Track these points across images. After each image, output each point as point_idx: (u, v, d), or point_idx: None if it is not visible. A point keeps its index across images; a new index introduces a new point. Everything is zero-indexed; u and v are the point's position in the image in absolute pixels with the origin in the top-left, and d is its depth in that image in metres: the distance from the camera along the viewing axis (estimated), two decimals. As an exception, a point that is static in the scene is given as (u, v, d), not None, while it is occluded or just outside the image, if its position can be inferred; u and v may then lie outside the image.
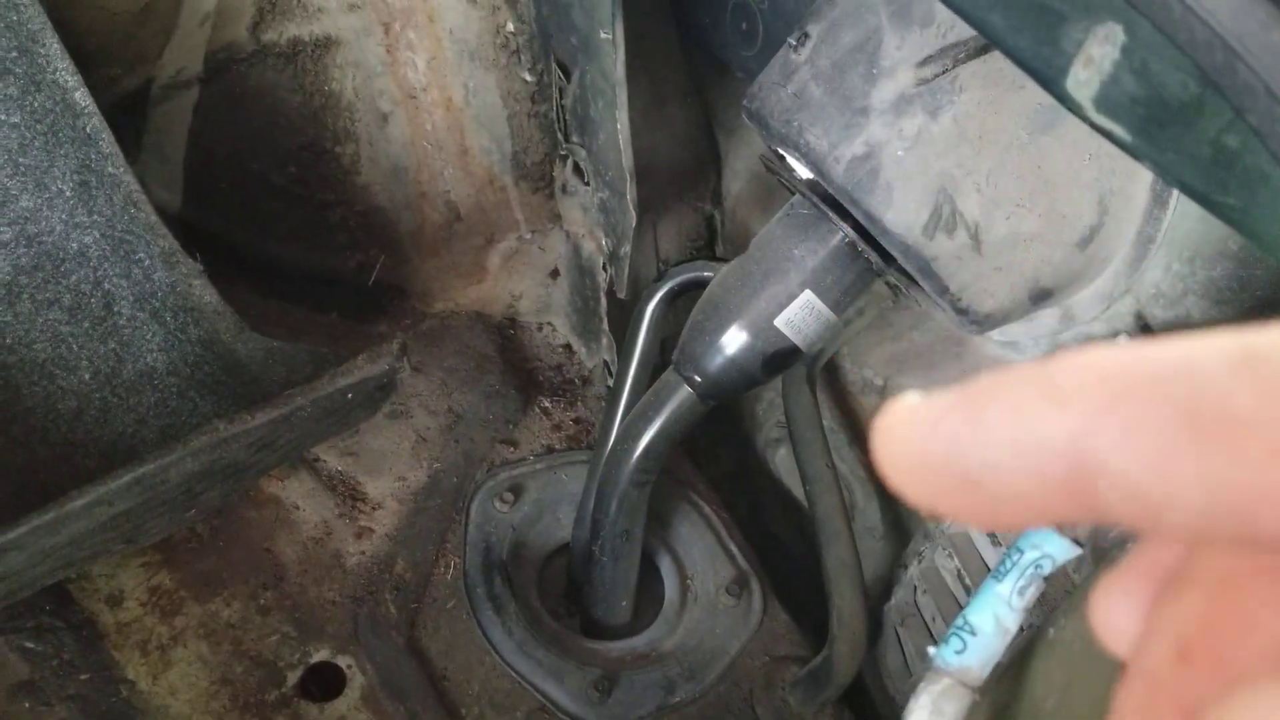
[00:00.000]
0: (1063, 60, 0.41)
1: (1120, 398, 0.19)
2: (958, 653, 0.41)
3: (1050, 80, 0.43)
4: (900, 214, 0.72)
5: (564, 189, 1.01)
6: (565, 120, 0.94)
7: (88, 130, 0.81)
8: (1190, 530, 0.18)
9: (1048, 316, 0.86)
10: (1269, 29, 0.36)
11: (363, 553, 0.94)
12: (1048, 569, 0.42)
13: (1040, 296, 0.79)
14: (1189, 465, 0.18)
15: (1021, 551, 0.42)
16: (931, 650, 0.42)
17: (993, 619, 0.42)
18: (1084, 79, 0.41)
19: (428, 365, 1.03)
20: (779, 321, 0.83)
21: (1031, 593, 0.42)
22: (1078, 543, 0.43)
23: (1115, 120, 0.41)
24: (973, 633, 0.42)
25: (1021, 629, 0.44)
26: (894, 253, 0.75)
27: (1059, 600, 0.48)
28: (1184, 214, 0.77)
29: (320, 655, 0.89)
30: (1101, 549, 0.46)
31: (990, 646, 0.42)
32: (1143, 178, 0.76)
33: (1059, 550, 0.42)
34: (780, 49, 0.78)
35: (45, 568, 0.73)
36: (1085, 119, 0.43)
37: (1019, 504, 0.20)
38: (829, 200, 0.79)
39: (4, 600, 0.75)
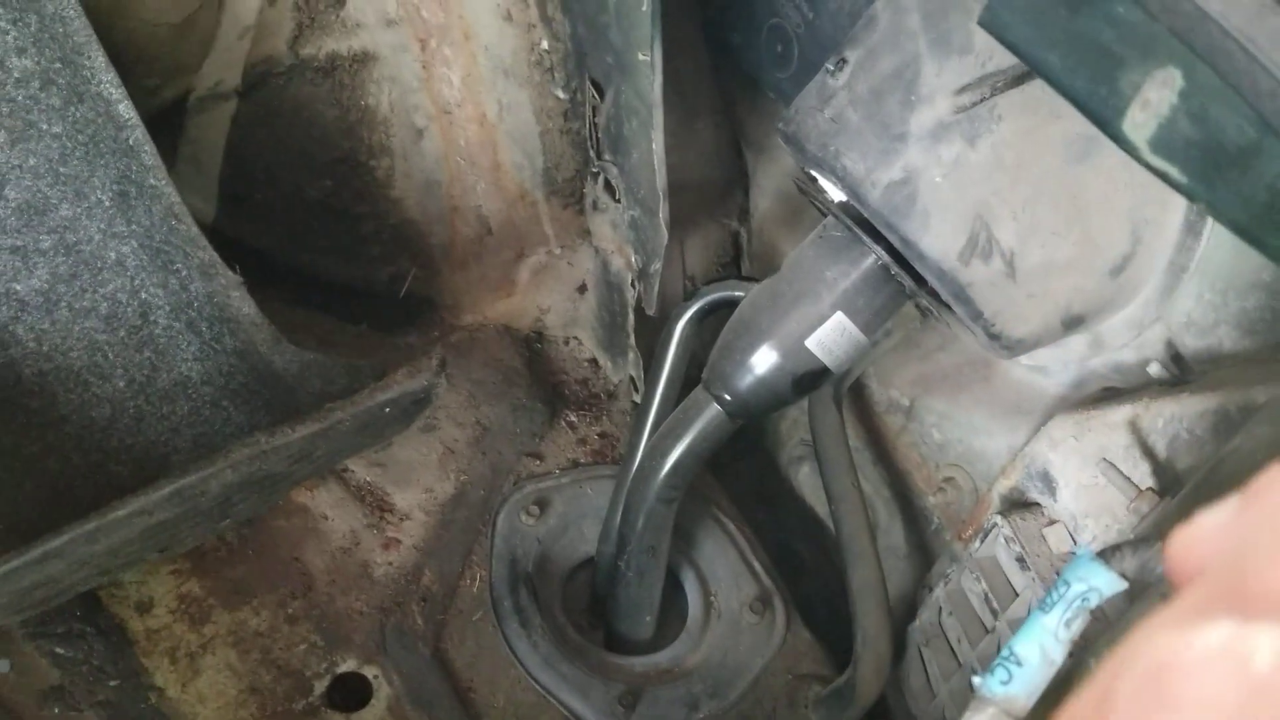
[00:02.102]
0: (1120, 102, 0.42)
1: None
2: (1003, 683, 0.42)
3: (1106, 121, 0.43)
4: (937, 239, 0.72)
5: (594, 205, 1.02)
6: (598, 138, 0.95)
7: (130, 142, 0.82)
8: None
9: (1077, 342, 0.86)
10: (1325, 75, 0.37)
11: (390, 563, 0.94)
12: (1094, 602, 0.42)
13: (1072, 323, 0.80)
14: None
15: (1069, 584, 0.42)
16: (977, 680, 0.43)
17: (1039, 650, 0.42)
18: (1141, 121, 0.41)
19: (456, 378, 1.04)
20: (810, 342, 0.83)
21: (1078, 625, 0.42)
22: (1124, 577, 0.43)
23: (1171, 162, 0.42)
24: (1019, 664, 0.42)
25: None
26: (929, 278, 0.75)
27: (1098, 632, 0.48)
28: (1217, 244, 0.77)
29: (347, 665, 0.89)
30: (1143, 583, 0.46)
31: (1036, 677, 0.42)
32: (1176, 208, 0.77)
33: (1106, 584, 0.42)
34: (817, 73, 0.78)
35: (82, 575, 0.74)
36: (1141, 160, 0.44)
37: None
38: (862, 223, 0.79)
39: (40, 606, 0.76)
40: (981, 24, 0.51)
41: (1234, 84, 0.36)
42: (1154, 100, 0.40)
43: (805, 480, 1.17)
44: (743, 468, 1.21)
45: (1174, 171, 0.43)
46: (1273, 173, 0.38)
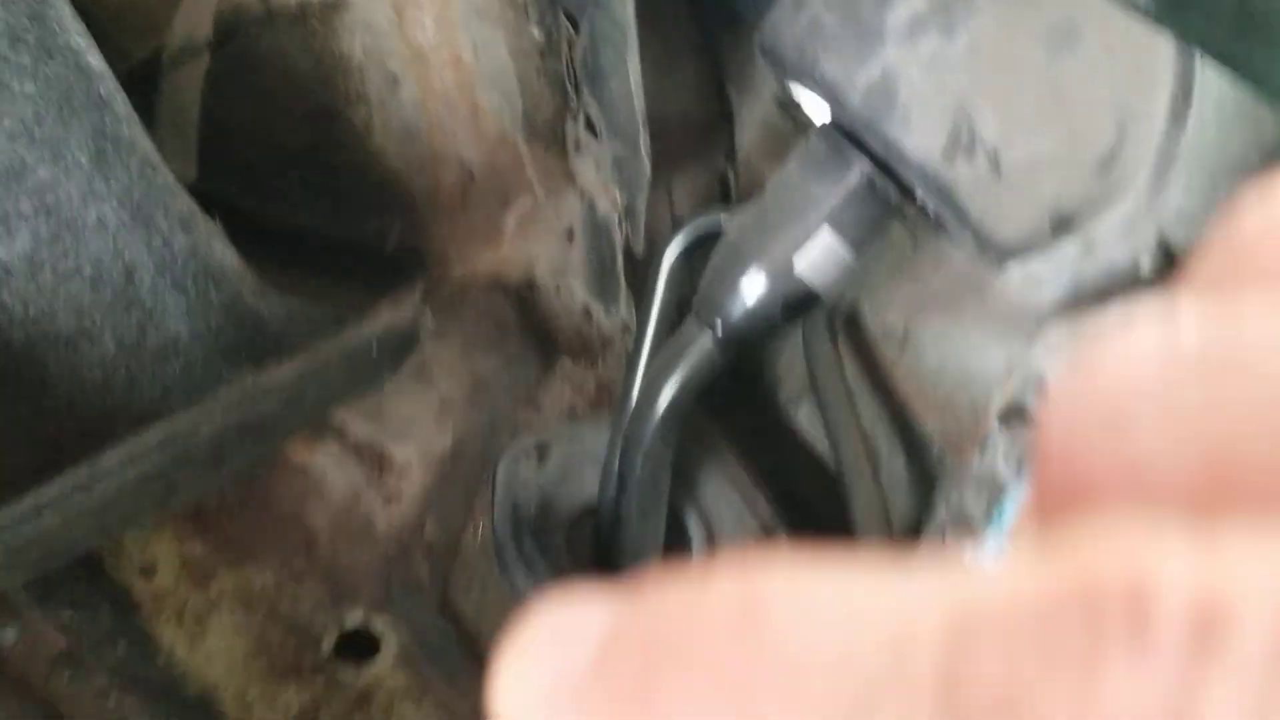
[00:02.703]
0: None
1: None
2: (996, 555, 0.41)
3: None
4: (919, 139, 0.72)
5: (576, 146, 1.01)
6: (575, 74, 0.94)
7: (101, 94, 0.81)
8: None
9: (1069, 248, 0.86)
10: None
11: (392, 517, 0.94)
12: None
13: (1062, 224, 0.79)
14: None
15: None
16: (968, 556, 0.42)
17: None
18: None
19: (448, 331, 1.03)
20: (798, 263, 0.83)
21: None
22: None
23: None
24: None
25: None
26: (914, 181, 0.75)
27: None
28: (1202, 130, 0.77)
29: (354, 619, 0.89)
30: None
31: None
32: (1161, 97, 0.76)
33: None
34: (792, -18, 0.78)
35: (80, 532, 0.74)
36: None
37: None
38: (845, 135, 0.79)
39: (38, 568, 0.76)
40: None
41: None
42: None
43: (806, 419, 1.17)
44: (743, 409, 1.21)
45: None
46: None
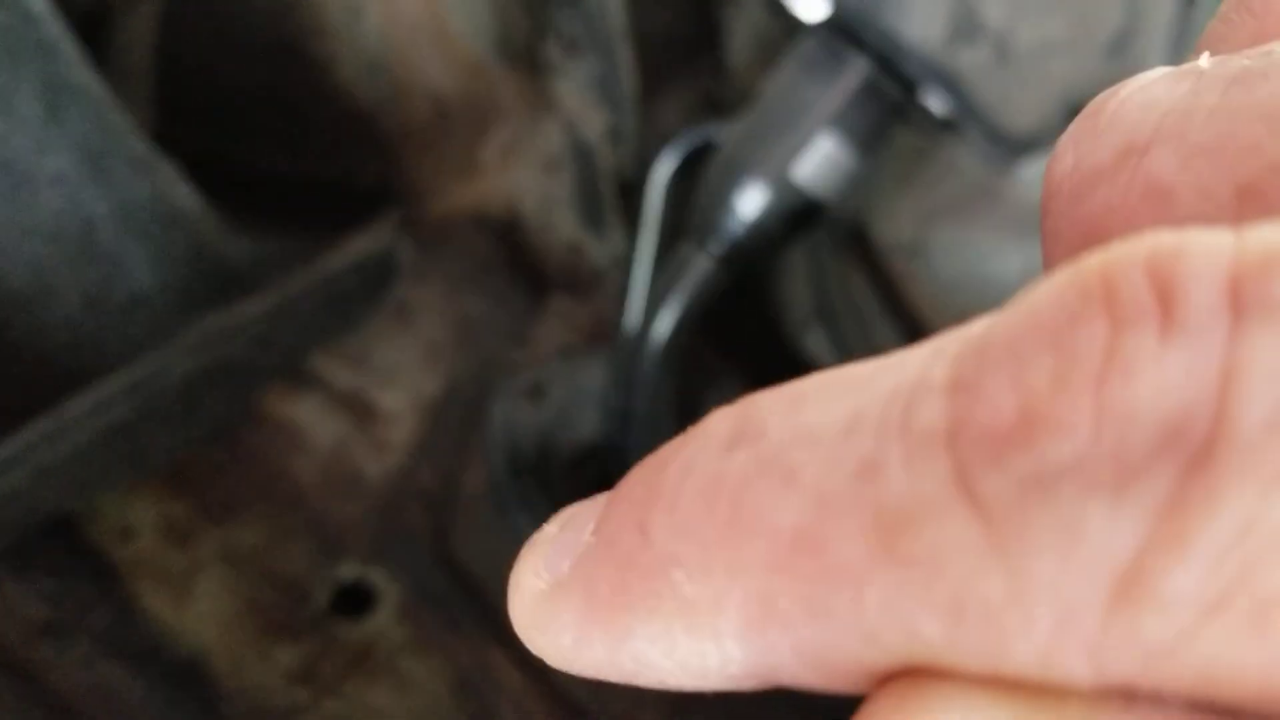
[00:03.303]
0: None
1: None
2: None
3: None
4: (919, 27, 0.67)
5: (555, 69, 0.96)
6: (550, -10, 0.89)
7: (48, 39, 0.76)
8: None
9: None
10: None
11: (384, 467, 0.90)
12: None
13: (1074, 112, 0.74)
14: None
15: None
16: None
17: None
18: None
19: (430, 272, 0.99)
20: (797, 173, 0.78)
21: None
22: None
23: None
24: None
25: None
26: (915, 72, 0.70)
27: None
28: (1214, 11, 0.72)
29: (349, 572, 0.85)
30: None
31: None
32: (1173, -28, 0.71)
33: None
34: None
35: (51, 491, 0.70)
36: None
37: None
38: (841, 34, 0.73)
39: (13, 528, 0.72)
40: None
41: None
42: None
43: (815, 345, 1.12)
44: (748, 338, 1.16)
45: None
46: None
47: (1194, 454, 0.12)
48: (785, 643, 0.15)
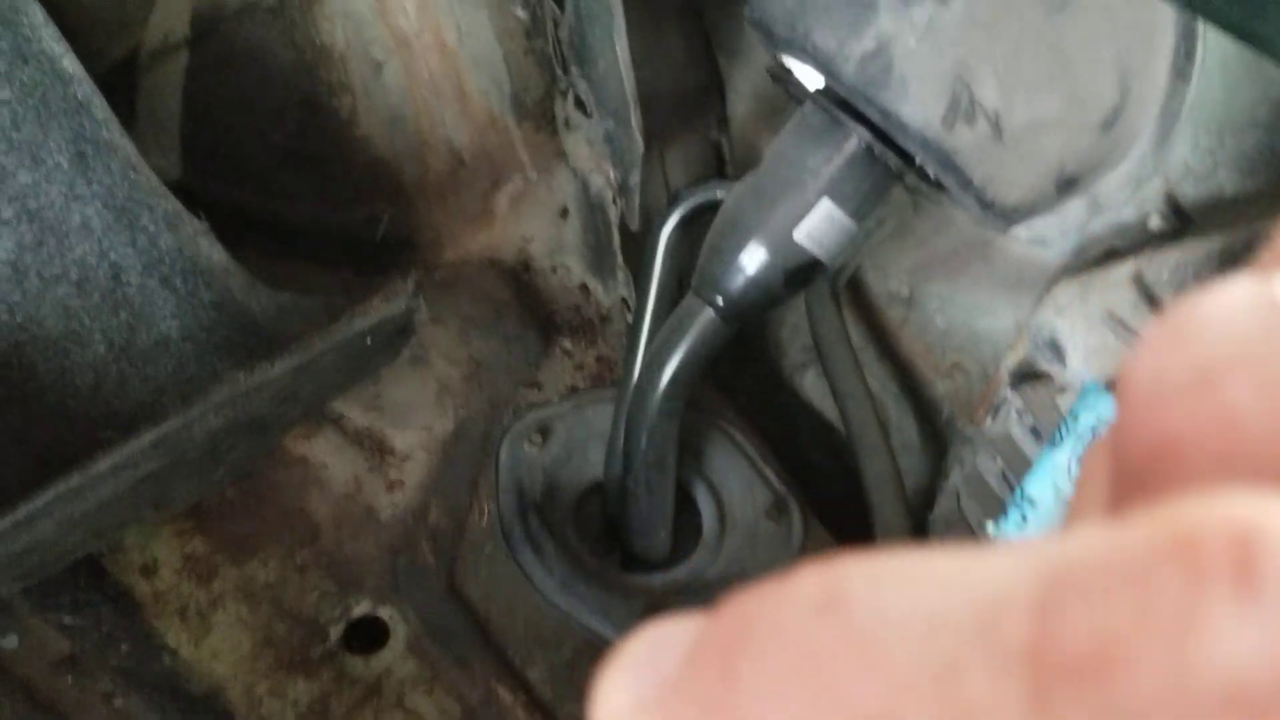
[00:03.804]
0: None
1: None
2: (1019, 526, 0.40)
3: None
4: (917, 107, 0.70)
5: (567, 124, 0.99)
6: (562, 53, 0.92)
7: (79, 97, 0.80)
8: None
9: (1075, 207, 0.84)
10: None
11: (396, 504, 0.93)
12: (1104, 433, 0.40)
13: (1066, 184, 0.77)
14: None
15: (1077, 417, 0.40)
16: (991, 525, 0.41)
17: (1052, 489, 0.40)
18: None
19: (444, 315, 1.02)
20: (798, 234, 0.81)
21: (1091, 458, 0.40)
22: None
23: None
24: (1032, 504, 0.40)
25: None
26: (913, 149, 0.73)
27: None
28: (1208, 86, 0.75)
29: (361, 608, 0.88)
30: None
31: (1051, 517, 0.40)
32: (1162, 53, 0.74)
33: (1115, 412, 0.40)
34: (780, -50, 0.75)
35: (76, 537, 0.73)
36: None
37: None
38: (841, 104, 0.77)
39: (39, 573, 0.75)
40: None
41: None
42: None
43: (811, 386, 1.15)
44: (747, 379, 1.19)
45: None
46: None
47: (1257, 715, 0.13)
48: None
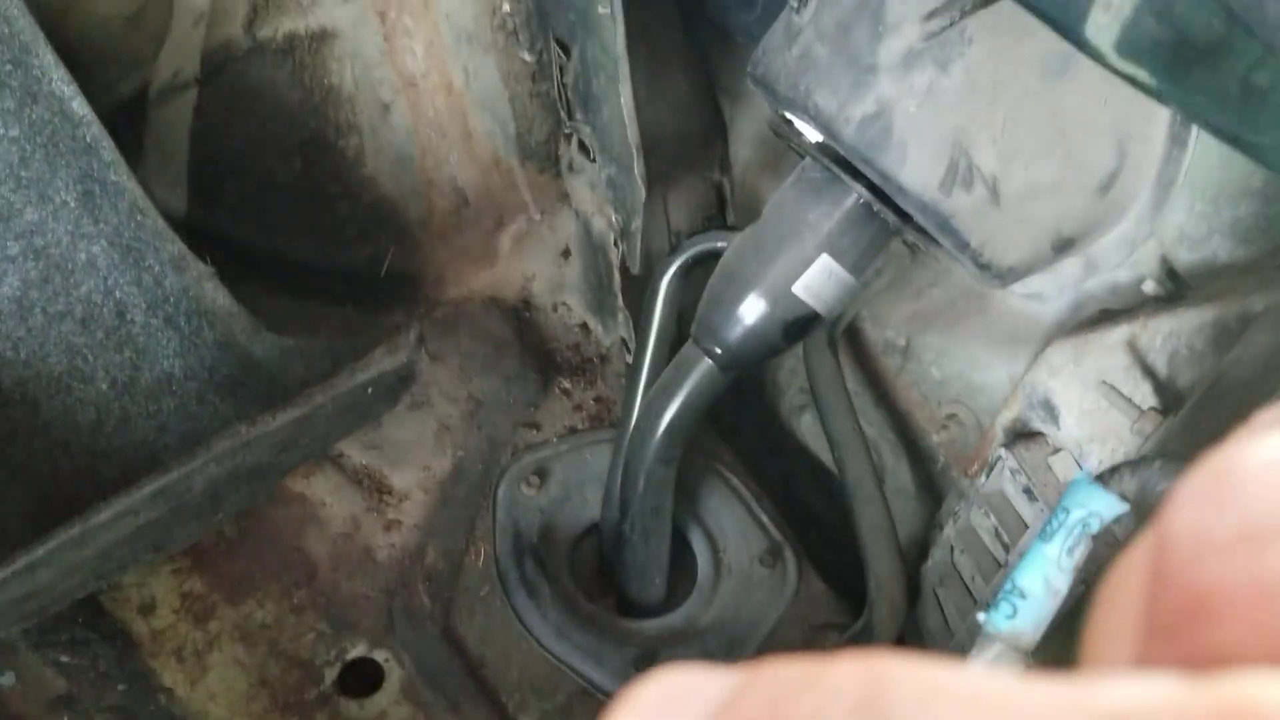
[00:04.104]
0: (1081, 6, 0.40)
1: None
2: (1009, 618, 0.41)
3: (1069, 27, 0.42)
4: (916, 171, 0.70)
5: (570, 167, 1.00)
6: (567, 98, 0.93)
7: (87, 139, 0.81)
8: None
9: (1071, 265, 0.85)
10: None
11: (393, 545, 0.94)
12: (1095, 527, 0.41)
13: (1063, 246, 0.78)
14: None
15: (1068, 511, 0.41)
16: (981, 616, 0.41)
17: (1042, 581, 0.41)
18: (1104, 24, 0.39)
19: (445, 352, 1.02)
20: (797, 288, 0.82)
21: (1080, 552, 0.41)
22: (1124, 498, 0.42)
23: (1139, 64, 0.40)
24: (1023, 596, 0.41)
25: (1071, 589, 0.43)
26: (911, 211, 0.73)
27: (1108, 555, 0.47)
28: (1204, 153, 0.75)
29: (357, 651, 0.89)
30: (1147, 504, 0.45)
31: (1041, 609, 0.41)
32: (1160, 119, 0.75)
33: (1106, 508, 0.41)
34: (782, 12, 0.76)
35: (75, 581, 0.73)
36: (1107, 65, 0.42)
37: None
38: (840, 162, 0.77)
39: (36, 616, 0.75)
40: None
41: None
42: (1115, 1, 0.38)
43: (808, 429, 1.16)
44: (745, 421, 1.20)
45: (1143, 74, 0.41)
46: (1244, 66, 0.36)
47: None
48: None
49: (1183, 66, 0.38)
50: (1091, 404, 0.78)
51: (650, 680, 0.18)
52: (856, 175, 0.77)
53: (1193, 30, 0.37)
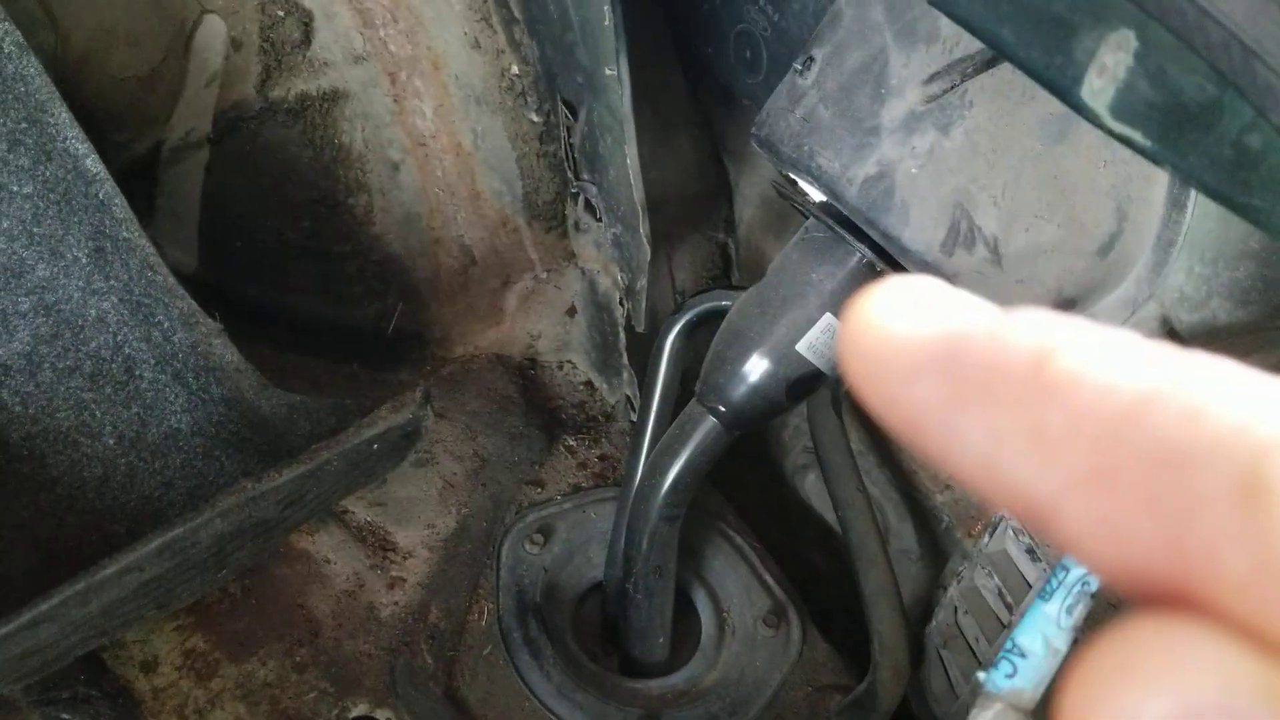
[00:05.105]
0: (1076, 70, 0.41)
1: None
2: (1008, 676, 0.40)
3: (1065, 91, 0.42)
4: (918, 232, 0.71)
5: (577, 226, 1.01)
6: (574, 158, 0.94)
7: (100, 197, 0.82)
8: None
9: (1072, 326, 0.85)
10: (1285, 25, 0.36)
11: (396, 603, 0.93)
12: (1095, 586, 0.41)
13: (1064, 306, 0.78)
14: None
15: (1067, 570, 0.41)
16: (981, 675, 0.41)
17: (1042, 640, 0.41)
18: (1099, 88, 0.40)
19: (451, 410, 1.03)
20: (801, 347, 0.82)
21: (1080, 610, 0.41)
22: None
23: (1134, 127, 0.41)
24: (1022, 655, 0.41)
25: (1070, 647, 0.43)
26: (914, 270, 0.74)
27: (1105, 615, 0.47)
28: (1203, 215, 0.76)
29: (359, 710, 0.88)
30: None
31: (1041, 668, 0.41)
32: (1160, 181, 0.76)
33: (1105, 567, 0.41)
34: (786, 74, 0.77)
35: (78, 638, 0.73)
36: (1103, 127, 0.43)
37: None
38: (843, 222, 0.78)
39: (39, 672, 0.75)
40: (931, 3, 0.50)
41: (1187, 40, 0.35)
42: (1110, 65, 0.39)
43: (812, 488, 1.16)
44: (750, 479, 1.20)
45: (1138, 136, 0.42)
46: (1236, 128, 0.37)
47: None
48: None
49: (1176, 129, 0.39)
50: (1095, 464, 0.78)
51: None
52: (860, 235, 0.78)
53: (1186, 93, 0.38)
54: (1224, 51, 0.35)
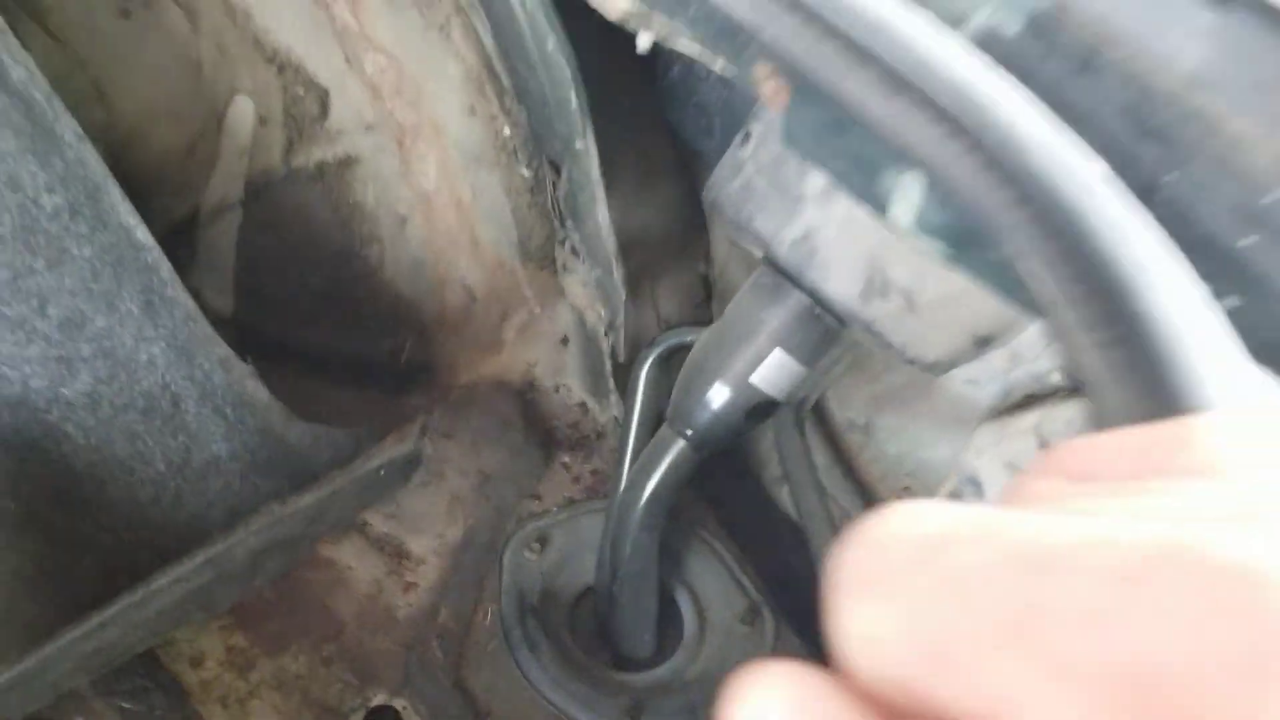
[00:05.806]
0: (886, 196, 0.52)
1: None
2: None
3: (881, 210, 0.54)
4: (839, 285, 0.82)
5: (565, 267, 1.13)
6: (559, 209, 1.06)
7: (149, 261, 0.95)
8: None
9: (999, 356, 0.95)
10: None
11: (410, 605, 1.06)
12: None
13: (983, 342, 0.89)
14: None
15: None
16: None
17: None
18: (903, 211, 0.51)
19: (457, 431, 1.15)
20: (755, 378, 0.94)
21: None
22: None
23: (934, 239, 0.52)
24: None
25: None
26: (840, 317, 0.85)
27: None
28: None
29: (378, 699, 1.01)
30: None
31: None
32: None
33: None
34: (731, 144, 0.89)
35: (136, 637, 0.86)
36: (914, 238, 0.54)
37: None
38: (784, 272, 0.89)
39: (105, 667, 0.88)
40: (783, 143, 0.62)
41: (955, 189, 0.46)
42: (910, 194, 0.50)
43: (789, 497, 1.27)
44: (735, 489, 1.31)
45: (939, 247, 0.53)
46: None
47: None
48: None
49: (965, 247, 0.50)
50: (1005, 485, 0.89)
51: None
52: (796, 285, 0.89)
53: (967, 219, 0.49)
54: (985, 193, 0.46)
